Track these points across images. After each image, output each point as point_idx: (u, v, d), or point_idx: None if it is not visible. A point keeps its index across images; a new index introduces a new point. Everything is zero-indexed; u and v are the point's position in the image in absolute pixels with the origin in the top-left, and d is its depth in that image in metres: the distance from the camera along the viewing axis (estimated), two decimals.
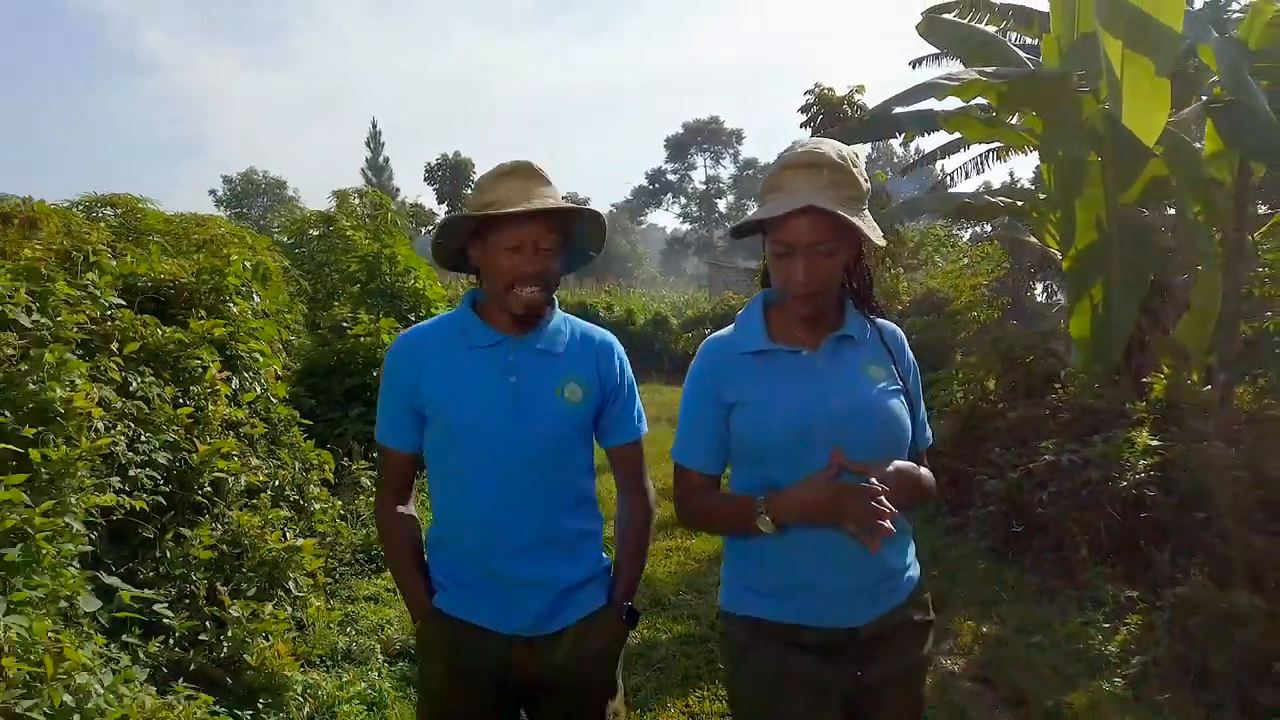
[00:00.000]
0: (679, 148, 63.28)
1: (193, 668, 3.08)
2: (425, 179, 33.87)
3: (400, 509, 1.87)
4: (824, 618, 1.63)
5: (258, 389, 4.21)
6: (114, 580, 2.89)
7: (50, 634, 2.38)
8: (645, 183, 64.47)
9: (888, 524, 1.47)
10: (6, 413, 2.72)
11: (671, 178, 64.17)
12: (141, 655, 2.89)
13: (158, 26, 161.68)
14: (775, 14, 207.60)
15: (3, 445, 2.55)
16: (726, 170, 64.73)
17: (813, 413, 1.61)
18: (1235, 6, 12.22)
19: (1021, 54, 7.85)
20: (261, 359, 4.29)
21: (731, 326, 1.78)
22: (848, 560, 1.59)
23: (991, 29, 12.10)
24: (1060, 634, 3.91)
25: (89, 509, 2.76)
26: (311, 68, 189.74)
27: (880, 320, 1.77)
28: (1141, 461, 4.59)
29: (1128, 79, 5.78)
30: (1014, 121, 7.49)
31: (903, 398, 1.69)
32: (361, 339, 6.05)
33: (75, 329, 3.18)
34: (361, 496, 5.33)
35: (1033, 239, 7.73)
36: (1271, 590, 3.60)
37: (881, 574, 1.65)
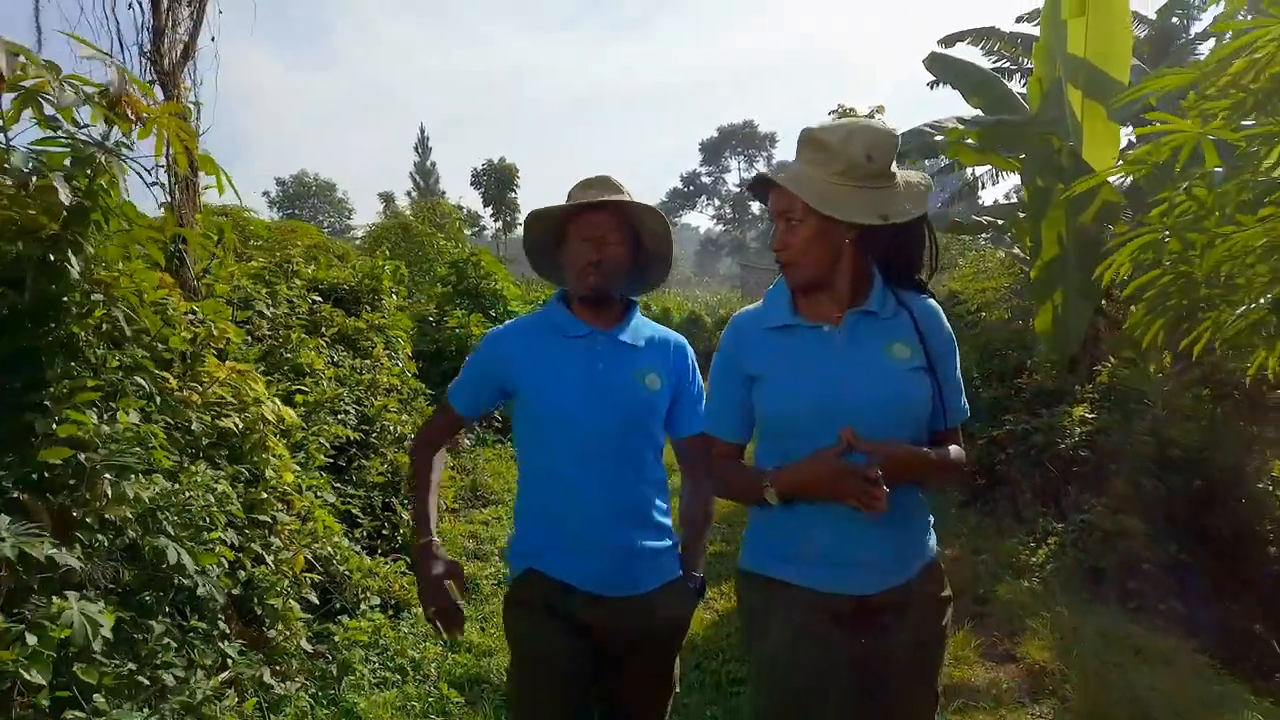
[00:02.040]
0: (713, 150, 64.55)
1: (379, 550, 4.50)
2: (471, 183, 35.67)
3: (435, 456, 2.15)
4: (835, 584, 1.67)
5: (399, 365, 5.63)
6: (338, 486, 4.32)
7: (319, 509, 3.80)
8: (680, 185, 65.76)
9: (881, 502, 1.52)
10: (273, 373, 4.15)
11: (706, 180, 65.42)
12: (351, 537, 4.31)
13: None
14: (813, 6, 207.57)
15: (284, 387, 3.97)
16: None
17: (827, 389, 1.65)
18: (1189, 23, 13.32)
19: (1015, 89, 9.11)
20: (401, 342, 5.72)
21: (761, 301, 1.84)
22: (860, 532, 1.63)
23: (1003, 57, 13.42)
24: (999, 552, 5.22)
25: (330, 437, 4.18)
26: (351, 69, 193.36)
27: (917, 297, 1.76)
28: (1078, 429, 5.87)
29: (1086, 121, 7.03)
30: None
31: (925, 375, 1.68)
32: (456, 330, 7.48)
33: (299, 317, 4.62)
34: (462, 455, 6.75)
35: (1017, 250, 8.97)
36: (1149, 515, 4.88)
37: (894, 547, 1.69)
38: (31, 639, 2.14)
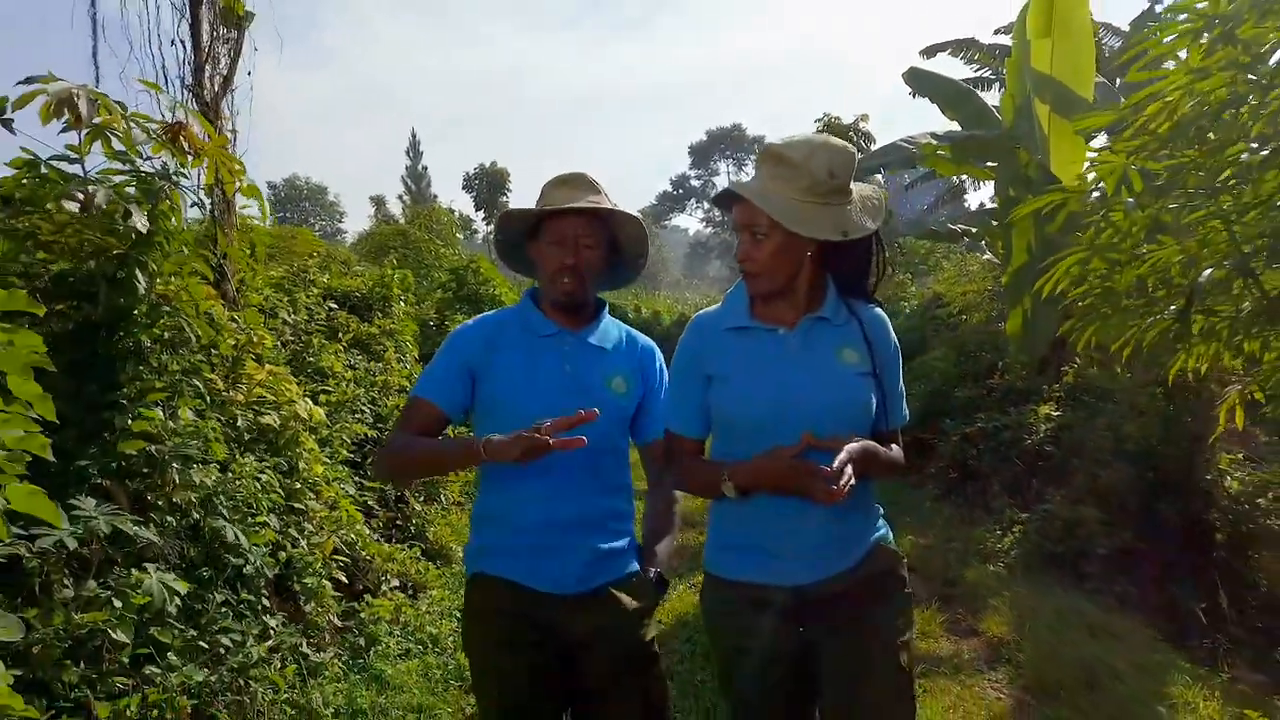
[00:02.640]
0: (702, 154, 64.97)
1: (394, 539, 4.87)
2: (463, 187, 35.98)
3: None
4: (774, 576, 1.75)
5: (407, 366, 5.99)
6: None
7: (343, 499, 4.16)
8: (670, 188, 66.20)
9: (840, 495, 1.54)
10: (298, 375, 4.50)
11: (695, 183, 65.84)
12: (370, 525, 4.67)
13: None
14: (814, 7, 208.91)
15: (308, 388, 4.33)
16: (749, 176, 66.24)
17: (781, 392, 1.72)
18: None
19: (994, 98, 9.55)
20: (409, 345, 6.08)
21: (721, 303, 1.91)
22: (798, 525, 1.71)
23: (984, 67, 13.84)
24: (969, 540, 5.62)
25: (352, 436, 4.54)
26: (347, 67, 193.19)
27: (866, 306, 1.83)
28: (1043, 426, 6.28)
29: (1053, 136, 7.45)
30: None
31: (871, 381, 1.76)
32: None
33: (317, 324, 4.98)
34: None
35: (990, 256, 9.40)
36: (1104, 505, 5.28)
37: (830, 538, 1.75)
38: (118, 603, 2.51)
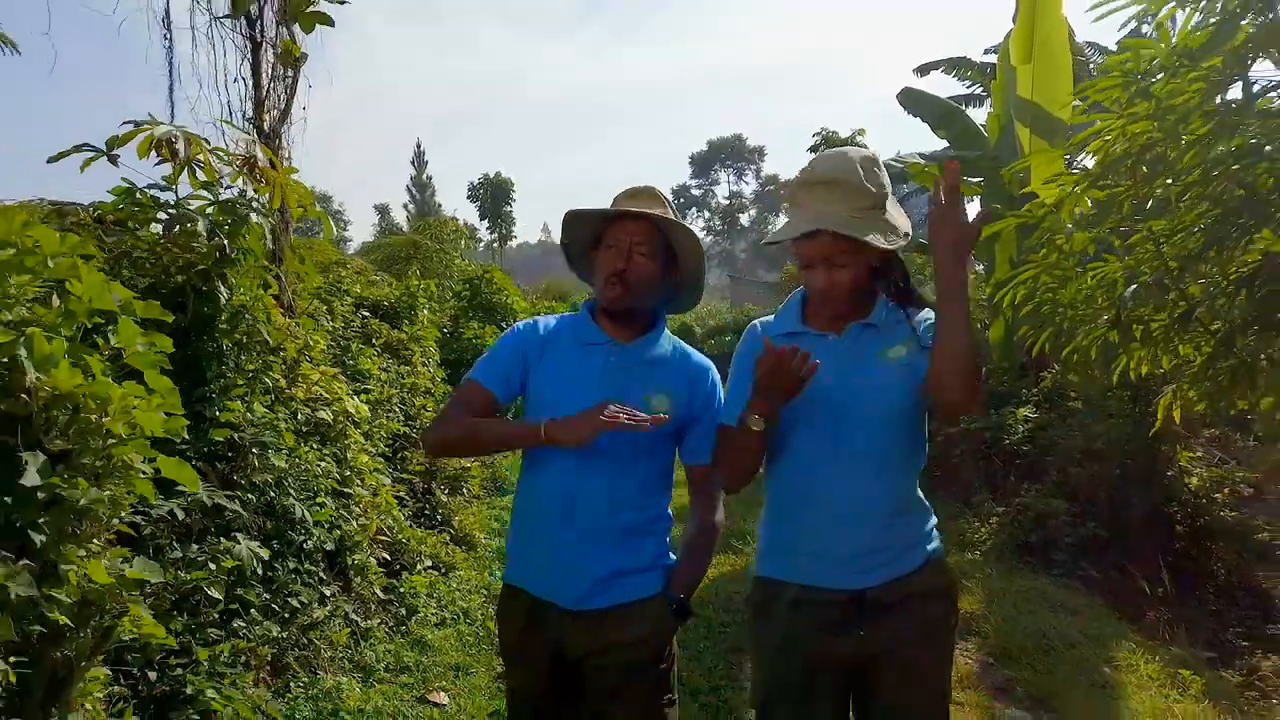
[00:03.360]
0: (703, 164, 65.65)
1: (423, 526, 5.34)
2: (468, 196, 36.59)
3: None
4: (831, 579, 1.76)
5: (431, 369, 6.47)
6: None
7: (381, 487, 4.63)
8: (671, 197, 66.83)
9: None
10: (344, 376, 4.98)
11: (696, 193, 66.47)
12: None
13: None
14: (810, 16, 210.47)
15: (350, 387, 4.81)
16: (749, 186, 67.02)
17: (829, 385, 1.74)
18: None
19: (978, 120, 10.06)
20: (432, 350, 6.56)
21: (778, 312, 1.97)
22: (855, 527, 1.74)
23: (975, 84, 14.31)
24: (950, 531, 6.08)
25: (387, 432, 5.02)
26: (347, 79, 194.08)
27: (918, 311, 1.86)
28: (1021, 427, 6.76)
29: (1033, 157, 7.94)
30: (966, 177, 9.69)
31: (914, 369, 1.76)
32: (473, 340, 8.33)
33: (353, 330, 5.46)
34: None
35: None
36: (1073, 498, 5.76)
37: (886, 541, 1.77)
38: (213, 565, 2.98)
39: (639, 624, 1.86)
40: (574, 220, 2.02)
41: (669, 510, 2.03)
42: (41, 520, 1.94)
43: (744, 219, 66.53)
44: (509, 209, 35.69)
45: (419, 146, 53.71)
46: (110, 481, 2.19)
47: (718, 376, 2.05)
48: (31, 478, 1.84)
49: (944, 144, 10.22)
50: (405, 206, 47.22)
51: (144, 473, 2.28)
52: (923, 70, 15.02)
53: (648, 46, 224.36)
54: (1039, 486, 6.05)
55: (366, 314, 5.78)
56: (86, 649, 2.23)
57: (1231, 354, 3.06)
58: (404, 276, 7.30)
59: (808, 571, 1.80)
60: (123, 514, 2.28)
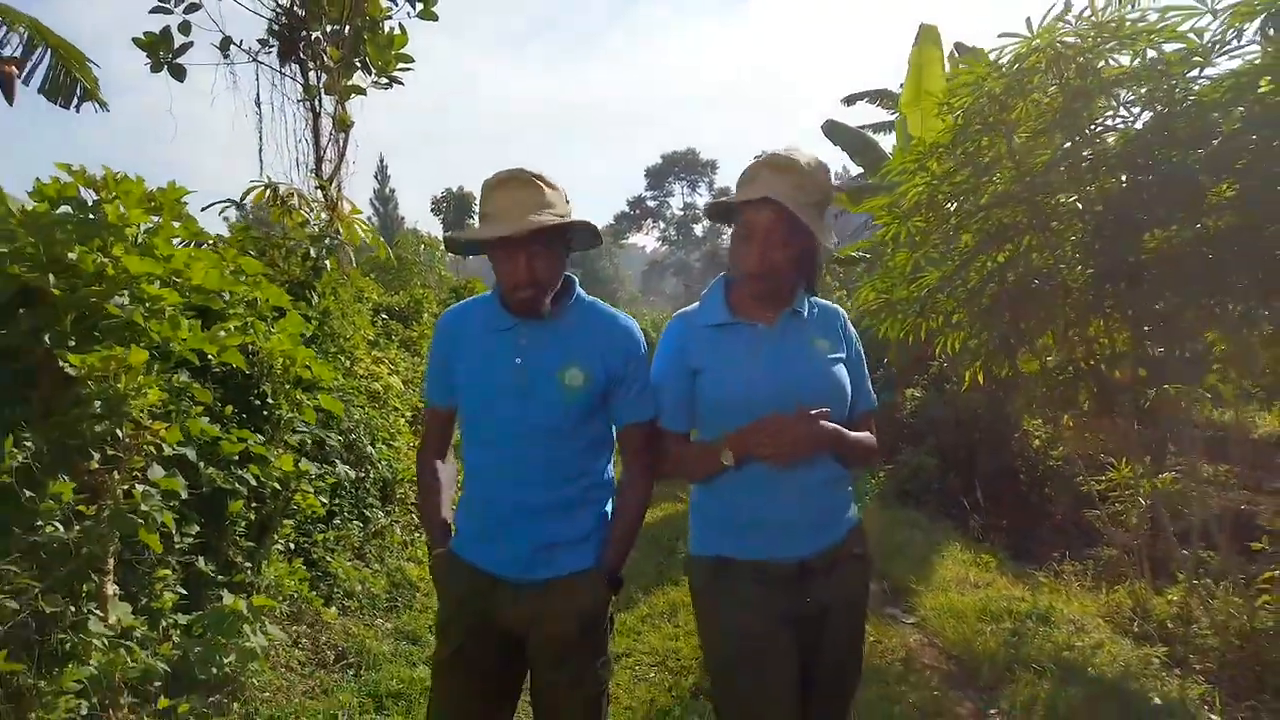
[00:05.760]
0: (658, 176, 67.31)
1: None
2: (431, 210, 37.93)
3: (437, 462, 2.09)
4: (778, 551, 1.88)
5: None
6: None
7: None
8: (626, 208, 68.50)
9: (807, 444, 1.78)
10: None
11: (651, 204, 68.15)
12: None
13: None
14: (759, 35, 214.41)
15: (379, 383, 6.30)
16: (702, 197, 68.80)
17: (767, 376, 1.85)
18: None
19: (888, 150, 11.82)
20: None
21: (696, 304, 2.01)
22: (793, 498, 1.87)
23: (896, 113, 16.09)
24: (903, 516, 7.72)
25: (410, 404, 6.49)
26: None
27: (822, 302, 2.01)
28: (909, 404, 8.45)
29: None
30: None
31: (844, 365, 1.93)
32: None
33: (375, 328, 6.92)
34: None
35: None
36: (942, 458, 7.43)
37: (821, 509, 1.93)
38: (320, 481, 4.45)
39: (579, 596, 1.92)
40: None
41: (610, 472, 2.06)
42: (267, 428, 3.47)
43: (698, 229, 68.27)
44: (472, 221, 37.07)
45: (382, 161, 54.65)
46: (288, 406, 3.72)
47: (640, 336, 2.04)
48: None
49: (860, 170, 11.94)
50: (369, 220, 48.08)
51: (310, 405, 3.80)
52: (850, 100, 16.83)
53: (608, 64, 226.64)
54: (916, 449, 7.72)
55: (384, 316, 7.22)
56: (279, 510, 3.73)
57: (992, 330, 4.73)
58: (408, 287, 8.76)
59: (759, 549, 1.90)
60: (296, 429, 3.79)
